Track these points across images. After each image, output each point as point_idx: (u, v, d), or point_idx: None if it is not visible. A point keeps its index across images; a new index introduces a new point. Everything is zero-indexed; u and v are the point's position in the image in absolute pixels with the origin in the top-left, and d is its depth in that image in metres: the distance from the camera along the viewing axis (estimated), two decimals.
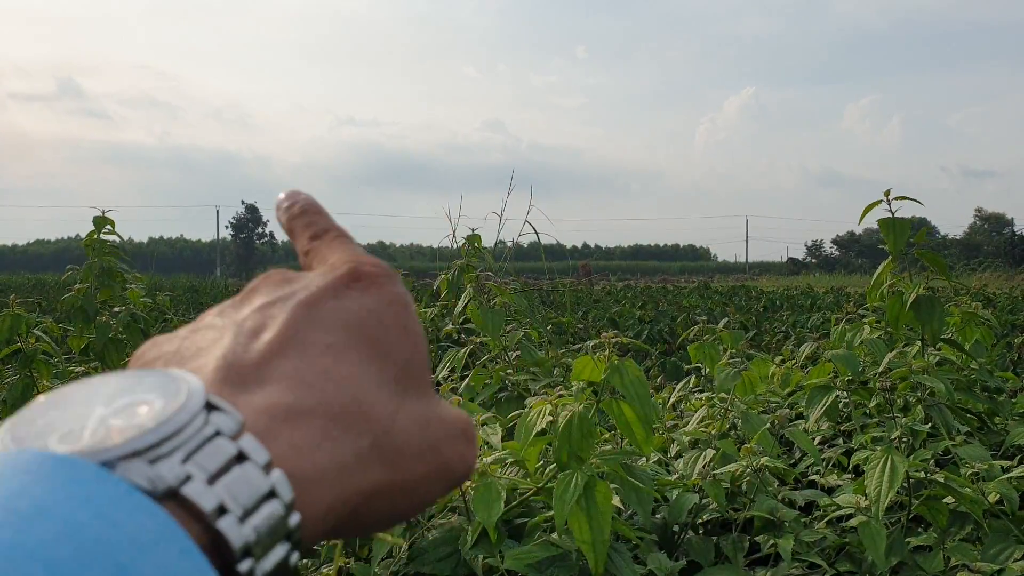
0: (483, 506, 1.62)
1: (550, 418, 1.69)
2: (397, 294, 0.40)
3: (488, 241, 5.50)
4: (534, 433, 1.68)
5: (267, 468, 0.30)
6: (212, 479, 0.29)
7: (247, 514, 0.29)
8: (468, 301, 2.93)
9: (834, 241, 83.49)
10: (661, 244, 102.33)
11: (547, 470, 1.82)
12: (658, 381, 5.21)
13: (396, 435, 0.36)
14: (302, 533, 0.31)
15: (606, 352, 1.63)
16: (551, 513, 1.97)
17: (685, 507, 2.29)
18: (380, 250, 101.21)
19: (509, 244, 5.85)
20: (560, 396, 1.77)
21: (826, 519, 2.36)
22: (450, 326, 5.03)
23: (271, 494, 0.30)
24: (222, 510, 0.29)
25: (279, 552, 0.30)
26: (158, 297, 4.55)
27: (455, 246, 5.95)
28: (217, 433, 0.30)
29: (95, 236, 4.11)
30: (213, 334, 0.37)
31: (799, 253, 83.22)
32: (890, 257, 2.45)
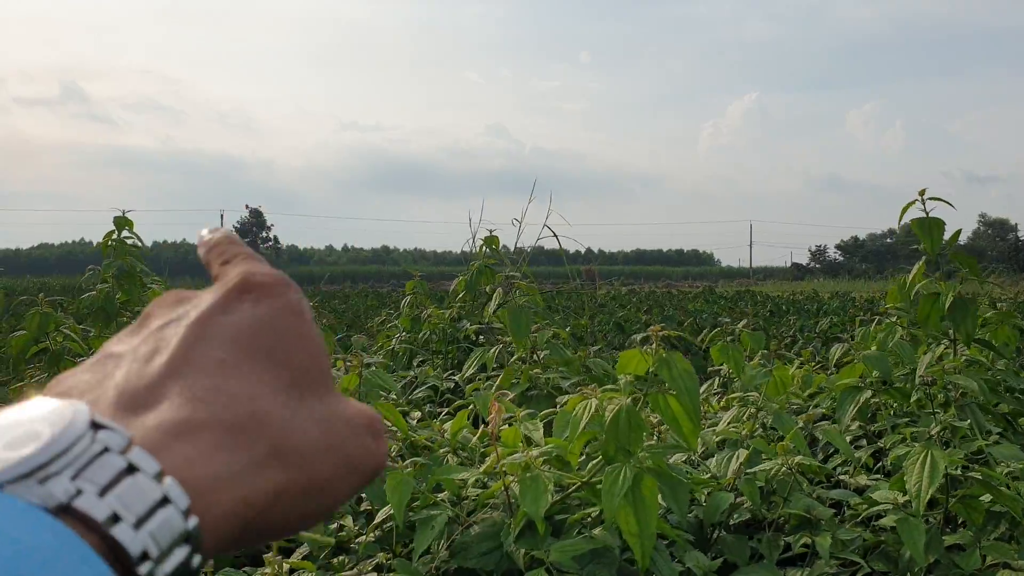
0: (531, 499, 1.63)
1: (595, 413, 1.69)
2: (290, 301, 0.41)
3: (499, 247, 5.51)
4: (581, 428, 1.69)
5: (159, 477, 0.32)
6: (103, 491, 0.31)
7: (141, 521, 0.31)
8: (500, 302, 2.93)
9: (838, 246, 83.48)
10: (664, 249, 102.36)
11: (588, 465, 1.83)
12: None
13: (295, 438, 0.37)
14: (205, 537, 0.33)
15: (653, 346, 1.63)
16: (590, 509, 1.98)
17: (720, 506, 2.29)
18: (384, 254, 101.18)
19: (526, 249, 5.86)
20: (604, 390, 1.78)
21: (859, 518, 2.36)
22: (469, 326, 5.05)
23: (164, 501, 0.31)
24: (116, 518, 0.30)
25: (179, 555, 0.31)
26: None
27: (473, 249, 5.96)
28: (105, 450, 0.32)
29: (115, 237, 4.12)
30: (111, 363, 0.39)
31: (803, 258, 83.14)
32: (923, 258, 2.45)
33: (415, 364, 5.16)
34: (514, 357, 2.87)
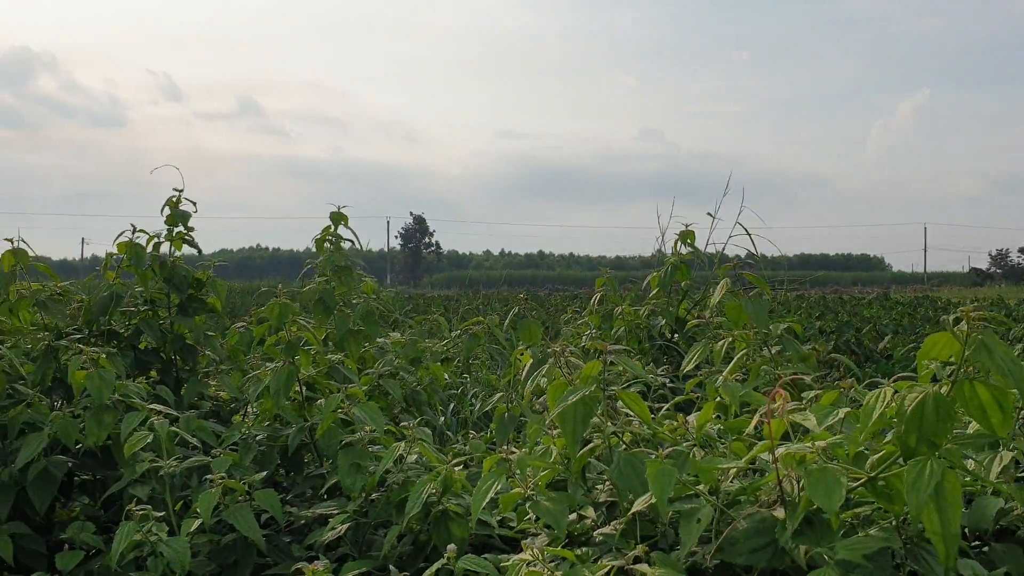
0: (822, 492, 1.54)
1: (891, 403, 1.58)
2: None
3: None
4: (873, 418, 1.58)
5: None
6: None
7: None
8: (724, 292, 2.83)
9: (1022, 250, 78.10)
10: (831, 254, 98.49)
11: (872, 459, 1.71)
12: (852, 381, 4.96)
13: None
14: None
15: (965, 327, 1.51)
16: (860, 509, 1.86)
17: (990, 511, 2.12)
18: (538, 259, 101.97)
19: (715, 248, 5.71)
20: (896, 380, 1.66)
21: None
22: (664, 323, 4.96)
23: None
24: None
25: None
26: (382, 294, 4.68)
27: (662, 249, 5.86)
28: None
29: (331, 231, 4.26)
30: None
31: (982, 263, 78.30)
32: None
33: (608, 363, 5.12)
34: (742, 352, 2.77)
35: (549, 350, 2.54)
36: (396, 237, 79.52)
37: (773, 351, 2.75)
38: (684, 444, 2.25)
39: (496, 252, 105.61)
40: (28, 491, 3.06)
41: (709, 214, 5.54)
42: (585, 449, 2.19)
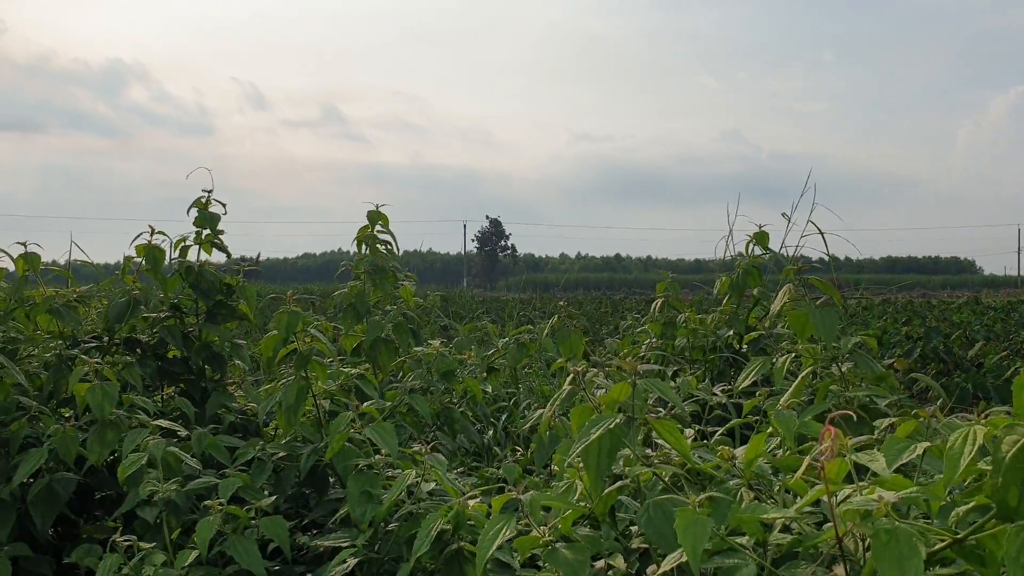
0: (892, 563, 1.18)
1: (982, 445, 1.22)
2: None
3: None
4: (963, 466, 1.22)
5: None
6: None
7: None
8: (786, 299, 2.47)
9: None
10: (918, 256, 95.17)
11: (958, 513, 1.35)
12: (938, 405, 4.49)
13: None
14: None
15: None
16: (946, 571, 1.49)
17: None
18: (615, 262, 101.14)
19: (789, 250, 5.30)
20: (990, 413, 1.30)
21: None
22: (731, 332, 4.56)
23: None
24: None
25: None
26: (428, 297, 4.40)
27: (731, 251, 5.45)
28: None
29: (368, 231, 3.99)
30: None
31: None
32: None
33: (670, 375, 4.75)
34: (807, 369, 2.39)
35: (586, 367, 2.22)
36: (473, 240, 79.72)
37: (844, 368, 2.37)
38: (732, 482, 1.91)
39: (572, 255, 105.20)
40: (30, 509, 2.87)
41: (784, 214, 5.13)
42: (613, 488, 1.86)
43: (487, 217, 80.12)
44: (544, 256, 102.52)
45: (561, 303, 3.41)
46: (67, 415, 3.38)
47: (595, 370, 2.02)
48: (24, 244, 3.45)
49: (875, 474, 1.51)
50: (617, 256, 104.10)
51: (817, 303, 2.37)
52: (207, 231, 3.86)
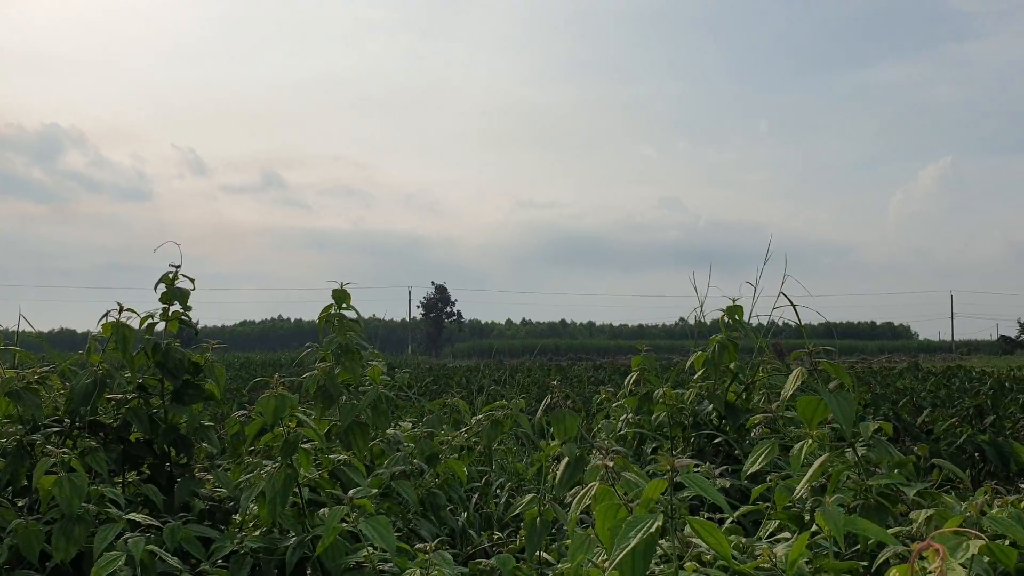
0: None
1: None
2: None
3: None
4: None
5: None
6: None
7: None
8: (797, 383, 2.40)
9: None
10: (855, 322, 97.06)
11: None
12: (983, 499, 4.47)
13: None
14: None
15: None
16: None
17: None
18: (560, 328, 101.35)
19: (760, 321, 5.29)
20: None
21: None
22: (711, 409, 4.49)
23: None
24: None
25: None
26: (396, 374, 4.26)
27: (703, 319, 5.42)
28: None
29: (333, 311, 3.86)
30: None
31: (1011, 330, 77.00)
32: None
33: (648, 452, 4.65)
34: (820, 458, 2.31)
35: (589, 449, 2.12)
36: (418, 307, 79.25)
37: (860, 454, 2.30)
38: None
39: (517, 321, 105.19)
40: None
41: (748, 283, 5.13)
42: None
43: (432, 283, 79.83)
44: (490, 322, 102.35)
45: (554, 383, 3.30)
46: (20, 504, 3.16)
47: (611, 451, 1.92)
48: None
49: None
50: (562, 321, 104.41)
51: (830, 388, 2.30)
52: (175, 307, 3.69)
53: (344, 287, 4.05)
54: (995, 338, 75.74)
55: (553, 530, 3.14)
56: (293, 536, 2.80)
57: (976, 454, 6.75)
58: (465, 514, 4.29)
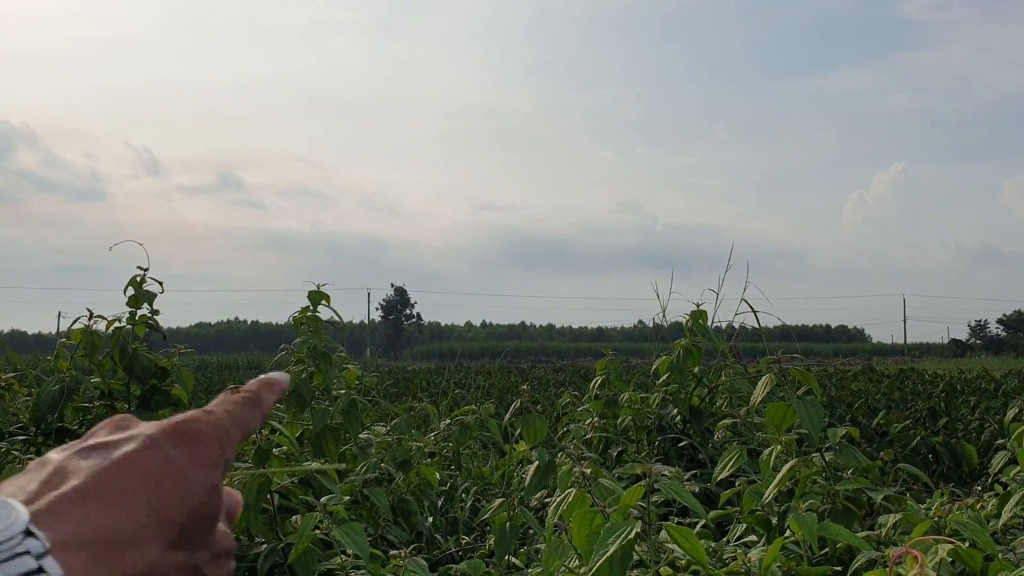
0: None
1: None
2: (201, 455, 0.51)
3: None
4: None
5: None
6: None
7: None
8: (767, 390, 2.45)
9: (1000, 321, 78.46)
10: (810, 325, 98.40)
11: None
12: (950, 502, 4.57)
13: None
14: None
15: None
16: None
17: None
18: (520, 330, 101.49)
19: (721, 325, 5.37)
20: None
21: None
22: (676, 413, 4.55)
23: None
24: None
25: None
26: (365, 379, 4.25)
27: (663, 323, 5.49)
28: (27, 552, 0.43)
29: (309, 312, 3.84)
30: (47, 472, 0.48)
31: (961, 334, 78.63)
32: None
33: (614, 456, 4.70)
34: (789, 463, 2.37)
35: (556, 453, 2.15)
36: (377, 309, 78.88)
37: (827, 459, 2.36)
38: None
39: (477, 323, 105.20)
40: None
41: (711, 290, 5.21)
42: None
43: (392, 285, 79.50)
44: (450, 324, 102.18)
45: (523, 387, 3.33)
46: None
47: (584, 457, 1.95)
48: None
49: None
50: (522, 324, 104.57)
51: (799, 394, 2.36)
52: (143, 310, 3.66)
53: (321, 287, 4.01)
54: (946, 341, 77.22)
55: (521, 534, 3.16)
56: (263, 543, 2.80)
57: (930, 455, 6.90)
58: (432, 518, 4.30)
